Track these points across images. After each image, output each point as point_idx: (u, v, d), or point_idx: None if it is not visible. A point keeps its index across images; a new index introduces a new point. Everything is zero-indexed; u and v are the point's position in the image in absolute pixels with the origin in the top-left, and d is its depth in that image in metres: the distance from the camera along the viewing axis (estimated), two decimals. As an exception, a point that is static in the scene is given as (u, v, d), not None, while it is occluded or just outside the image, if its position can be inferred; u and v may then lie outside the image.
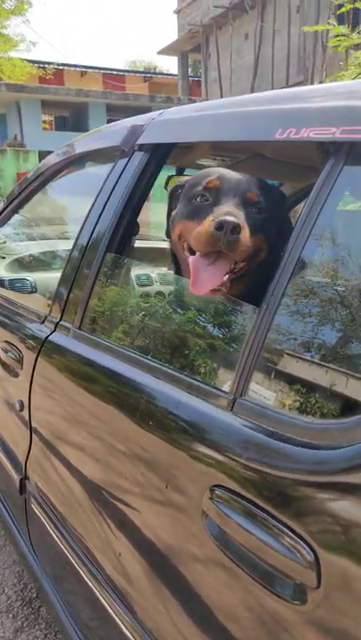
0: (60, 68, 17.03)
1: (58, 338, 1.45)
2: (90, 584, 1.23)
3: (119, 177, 1.42)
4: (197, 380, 0.98)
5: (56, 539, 1.38)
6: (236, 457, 0.85)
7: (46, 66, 14.66)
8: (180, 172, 2.74)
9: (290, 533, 0.73)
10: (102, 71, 19.56)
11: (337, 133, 0.84)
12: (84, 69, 18.69)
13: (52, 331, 1.49)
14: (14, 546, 1.83)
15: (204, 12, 15.48)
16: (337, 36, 3.66)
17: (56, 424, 1.42)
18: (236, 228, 1.01)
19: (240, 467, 0.83)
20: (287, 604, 0.73)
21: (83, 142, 1.82)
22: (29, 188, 2.01)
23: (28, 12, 14.48)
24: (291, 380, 0.87)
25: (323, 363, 0.84)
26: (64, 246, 2.08)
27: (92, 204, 1.48)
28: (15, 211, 2.19)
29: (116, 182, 1.42)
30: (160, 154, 1.38)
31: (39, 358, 1.49)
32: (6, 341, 1.73)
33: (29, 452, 1.54)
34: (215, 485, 0.86)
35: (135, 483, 1.07)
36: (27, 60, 14.27)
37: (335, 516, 0.70)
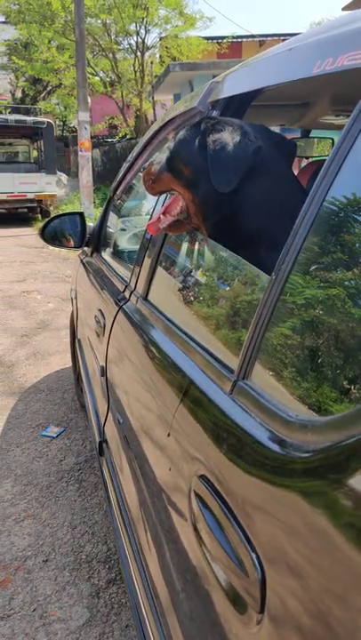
0: (238, 40, 16.87)
1: (128, 306, 1.45)
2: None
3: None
4: (211, 356, 0.89)
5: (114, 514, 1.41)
6: (222, 447, 0.74)
7: (220, 41, 14.67)
8: (305, 134, 2.52)
9: (246, 543, 0.62)
10: (282, 37, 18.85)
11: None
12: (262, 39, 18.22)
13: (127, 300, 1.49)
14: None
15: None
16: None
17: (120, 390, 1.43)
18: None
19: (223, 458, 0.73)
20: (236, 620, 0.63)
21: (172, 109, 1.76)
22: (138, 159, 2.02)
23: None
24: (294, 366, 0.72)
25: (330, 351, 0.68)
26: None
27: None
28: (130, 182, 2.24)
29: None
30: (233, 109, 1.26)
31: (114, 325, 1.51)
32: (99, 309, 1.80)
33: (107, 416, 1.59)
34: (201, 476, 0.77)
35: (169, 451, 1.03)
36: (203, 37, 14.45)
37: (290, 529, 0.56)
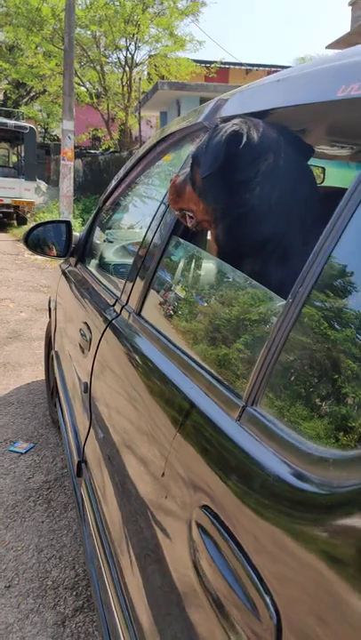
0: (226, 67, 17.23)
1: (119, 321, 1.41)
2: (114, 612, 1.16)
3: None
4: (215, 379, 0.85)
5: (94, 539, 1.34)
6: (229, 476, 0.70)
7: (209, 65, 14.94)
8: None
9: (258, 584, 0.58)
10: (267, 68, 19.37)
11: None
12: (248, 67, 18.67)
13: (118, 314, 1.45)
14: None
15: (381, 0, 14.41)
16: None
17: (105, 409, 1.37)
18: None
19: (230, 489, 0.69)
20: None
21: (173, 124, 1.75)
22: (131, 172, 2.00)
23: (201, 13, 14.90)
24: (310, 395, 0.69)
25: (353, 380, 0.66)
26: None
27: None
28: (121, 194, 2.21)
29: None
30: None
31: (101, 340, 1.46)
32: (84, 322, 1.74)
33: (88, 435, 1.53)
34: (204, 506, 0.73)
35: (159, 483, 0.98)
36: (192, 59, 14.69)
37: (312, 571, 0.53)
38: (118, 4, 13.87)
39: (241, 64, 18.23)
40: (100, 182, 14.36)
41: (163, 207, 1.37)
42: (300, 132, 1.16)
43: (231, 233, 1.03)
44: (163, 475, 0.89)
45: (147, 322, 1.25)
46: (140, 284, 1.35)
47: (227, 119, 1.27)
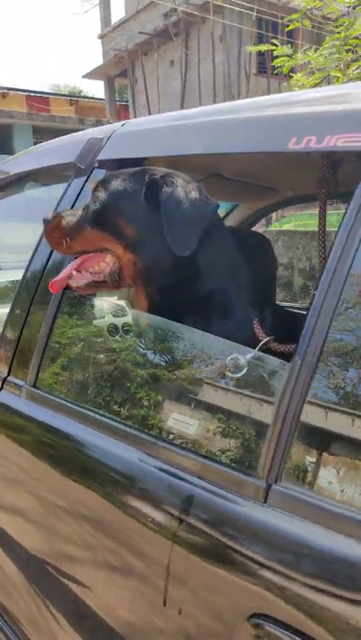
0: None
1: (6, 399, 1.17)
2: None
3: (76, 198, 1.18)
4: (216, 462, 0.75)
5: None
6: (280, 571, 0.62)
7: None
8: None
9: None
10: (26, 93, 19.13)
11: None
12: (5, 90, 18.14)
13: (-1, 389, 1.20)
14: None
15: (128, 37, 15.53)
16: (278, 57, 3.61)
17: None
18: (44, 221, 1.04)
19: (286, 587, 0.61)
20: None
21: (21, 161, 1.57)
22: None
23: None
24: (345, 459, 0.66)
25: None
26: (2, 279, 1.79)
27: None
28: None
29: (73, 205, 1.18)
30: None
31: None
32: None
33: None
34: (254, 615, 0.63)
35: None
36: None
37: None
38: None
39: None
40: None
41: (44, 252, 1.19)
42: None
43: (169, 288, 0.95)
44: (165, 604, 0.74)
45: (57, 396, 1.06)
46: (30, 346, 1.14)
47: (106, 162, 1.17)
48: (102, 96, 19.55)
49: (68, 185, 1.23)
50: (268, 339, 0.88)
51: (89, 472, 0.93)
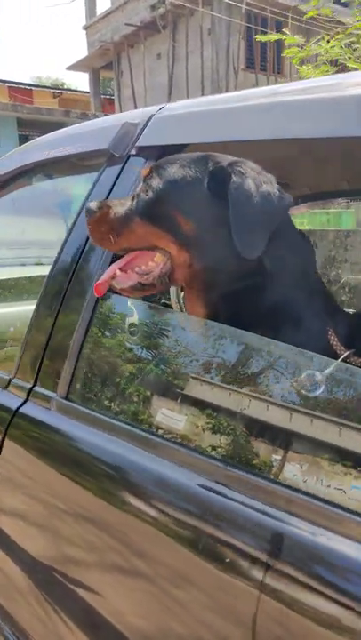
0: None
1: (33, 411, 1.04)
2: None
3: (111, 189, 1.06)
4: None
5: None
6: None
7: None
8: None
9: None
10: (8, 84, 18.71)
11: None
12: (-11, 83, 17.72)
13: (24, 401, 1.08)
14: None
15: (114, 29, 15.27)
16: (288, 47, 3.49)
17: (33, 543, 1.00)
18: (89, 211, 0.90)
19: None
20: None
21: (38, 148, 1.43)
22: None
23: None
24: None
25: None
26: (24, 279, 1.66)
27: (74, 224, 1.10)
28: None
29: (108, 196, 1.06)
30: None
31: (6, 441, 1.06)
32: None
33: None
34: None
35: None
36: None
37: None
38: None
39: (-20, 78, 17.19)
40: None
41: (74, 248, 1.07)
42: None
43: (235, 295, 0.83)
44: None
45: (94, 409, 0.94)
46: (62, 353, 1.02)
47: (146, 149, 1.05)
48: (86, 89, 19.25)
49: (100, 174, 1.11)
50: (348, 352, 0.77)
51: (139, 497, 0.81)
